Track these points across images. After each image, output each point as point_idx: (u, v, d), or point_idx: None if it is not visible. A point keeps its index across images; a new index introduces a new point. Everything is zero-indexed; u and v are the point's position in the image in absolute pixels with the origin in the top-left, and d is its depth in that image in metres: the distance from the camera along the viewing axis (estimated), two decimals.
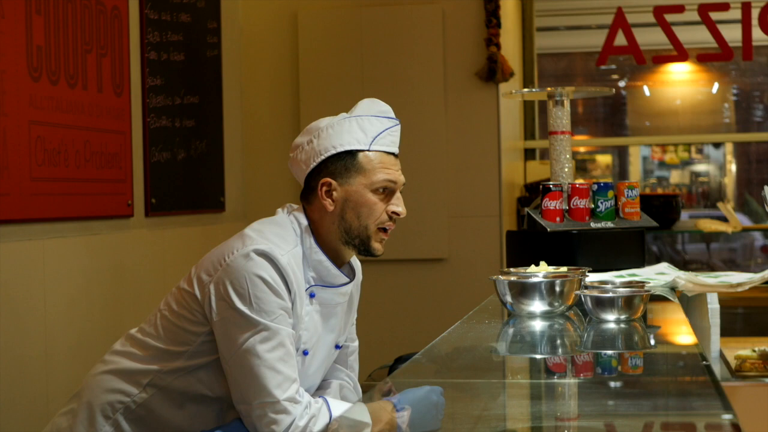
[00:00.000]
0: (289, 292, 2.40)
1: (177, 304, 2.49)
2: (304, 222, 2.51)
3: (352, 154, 2.48)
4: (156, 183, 4.25)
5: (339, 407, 2.43)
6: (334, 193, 2.48)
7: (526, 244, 3.45)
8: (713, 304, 2.95)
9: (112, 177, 3.91)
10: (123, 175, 3.99)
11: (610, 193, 3.40)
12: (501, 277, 2.64)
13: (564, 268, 2.72)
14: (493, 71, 5.28)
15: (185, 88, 4.54)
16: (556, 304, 2.56)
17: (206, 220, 4.79)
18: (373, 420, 2.21)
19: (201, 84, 4.71)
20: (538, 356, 2.34)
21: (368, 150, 2.49)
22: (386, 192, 2.50)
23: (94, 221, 3.83)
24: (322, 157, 2.49)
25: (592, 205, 3.39)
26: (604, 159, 8.96)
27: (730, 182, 9.02)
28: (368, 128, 2.50)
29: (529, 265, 2.75)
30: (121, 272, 3.98)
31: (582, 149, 8.52)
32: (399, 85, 5.26)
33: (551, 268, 2.72)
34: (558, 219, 3.35)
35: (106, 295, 3.88)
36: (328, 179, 2.48)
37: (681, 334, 2.55)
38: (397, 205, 2.51)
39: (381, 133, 2.51)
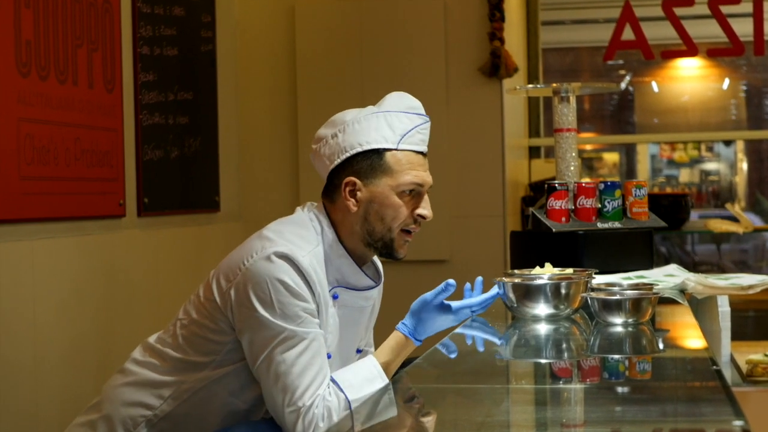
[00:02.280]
0: (313, 293, 2.38)
1: (197, 312, 2.46)
2: (326, 220, 2.47)
3: (378, 153, 2.44)
4: (149, 182, 4.25)
5: (350, 382, 2.40)
6: (359, 193, 2.44)
7: (531, 244, 3.45)
8: (724, 306, 2.96)
9: (104, 176, 3.92)
10: (114, 173, 4.00)
11: (618, 193, 3.40)
12: (505, 279, 2.64)
13: (570, 270, 2.72)
14: (496, 66, 5.28)
15: (179, 84, 4.54)
16: (562, 306, 2.56)
17: (201, 220, 4.79)
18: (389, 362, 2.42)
19: (195, 80, 4.71)
20: (543, 361, 2.34)
21: (396, 149, 2.45)
22: (413, 194, 2.47)
23: (85, 221, 3.83)
24: (347, 155, 2.45)
25: (599, 205, 3.39)
26: (611, 157, 8.96)
27: (741, 181, 9.03)
28: (397, 125, 2.46)
29: (533, 267, 2.75)
30: (113, 274, 3.98)
31: (588, 147, 8.53)
32: (399, 81, 5.26)
33: (556, 270, 2.72)
34: (563, 219, 3.35)
35: (98, 297, 3.88)
36: (353, 179, 2.44)
37: (690, 337, 2.56)
38: (425, 208, 2.47)
39: (410, 131, 2.47)
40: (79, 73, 3.76)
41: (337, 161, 2.46)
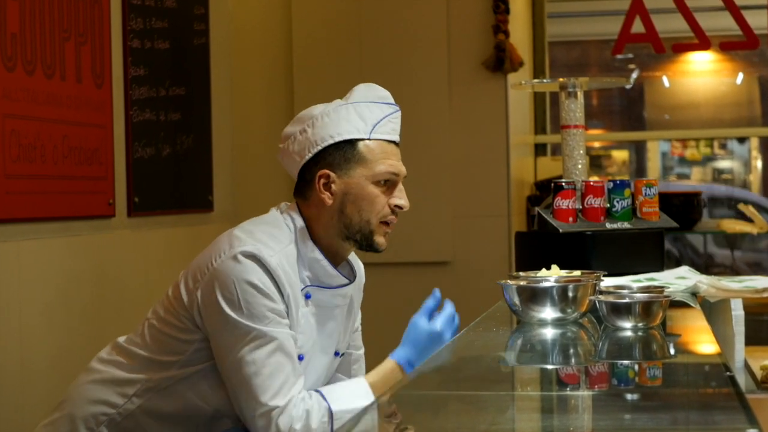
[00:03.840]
0: (282, 294, 2.40)
1: (165, 311, 2.50)
2: (299, 219, 2.50)
3: (351, 143, 2.47)
4: (139, 181, 4.25)
5: (337, 395, 2.44)
6: (333, 185, 2.47)
7: (537, 246, 3.45)
8: (737, 310, 2.95)
9: (92, 174, 3.92)
10: (104, 172, 4.00)
11: (627, 192, 3.40)
12: (509, 282, 2.64)
13: (577, 272, 2.72)
14: (501, 61, 5.28)
15: (171, 78, 4.54)
16: (569, 310, 2.56)
17: (193, 220, 4.79)
18: (380, 388, 2.43)
19: (188, 74, 4.71)
20: (549, 366, 2.34)
21: (368, 139, 2.48)
22: (388, 184, 2.50)
23: (73, 221, 3.83)
24: (319, 148, 2.49)
25: (608, 205, 3.39)
26: (621, 155, 8.96)
27: (755, 180, 9.03)
28: (367, 115, 2.49)
29: (539, 269, 2.75)
30: (103, 276, 3.98)
31: (596, 144, 8.52)
32: (400, 75, 5.26)
33: (563, 272, 2.72)
34: (571, 219, 3.35)
35: (87, 300, 3.88)
36: (326, 171, 2.48)
37: (703, 342, 2.56)
38: (400, 198, 2.50)
39: (381, 120, 2.50)
40: (67, 68, 3.76)
41: (309, 156, 2.50)
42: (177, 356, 2.47)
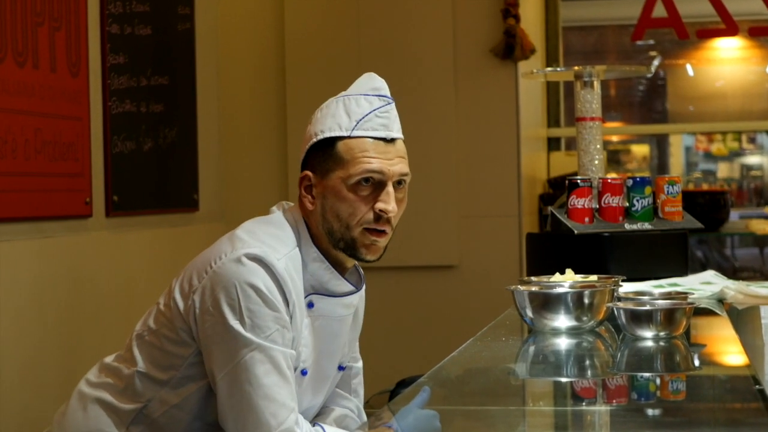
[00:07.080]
0: (287, 303, 2.38)
1: (156, 322, 2.46)
2: (302, 222, 2.49)
3: (331, 142, 2.44)
4: (118, 178, 4.25)
5: None
6: (314, 189, 2.45)
7: (550, 248, 3.46)
8: (767, 318, 2.96)
9: (68, 170, 3.92)
10: (80, 168, 4.00)
11: (648, 190, 3.40)
12: (520, 287, 2.64)
13: (593, 277, 2.72)
14: (511, 47, 5.29)
15: (153, 67, 4.54)
16: (585, 318, 2.56)
17: (177, 220, 4.79)
18: None
19: (171, 62, 4.71)
20: (563, 379, 2.34)
21: (349, 137, 2.45)
22: (372, 186, 2.45)
23: (47, 222, 3.83)
24: (307, 146, 2.49)
25: (627, 204, 3.40)
26: (641, 149, 8.97)
27: None
28: (354, 110, 2.46)
29: (552, 273, 2.75)
30: (78, 281, 3.98)
31: (615, 138, 8.53)
32: (402, 64, 5.26)
33: (578, 277, 2.72)
34: (587, 219, 3.35)
35: (61, 307, 3.88)
36: (308, 173, 2.46)
37: (730, 353, 2.56)
38: (385, 202, 2.41)
39: (366, 115, 2.45)
40: (40, 55, 3.76)
41: (303, 155, 2.49)
42: (170, 372, 2.44)
